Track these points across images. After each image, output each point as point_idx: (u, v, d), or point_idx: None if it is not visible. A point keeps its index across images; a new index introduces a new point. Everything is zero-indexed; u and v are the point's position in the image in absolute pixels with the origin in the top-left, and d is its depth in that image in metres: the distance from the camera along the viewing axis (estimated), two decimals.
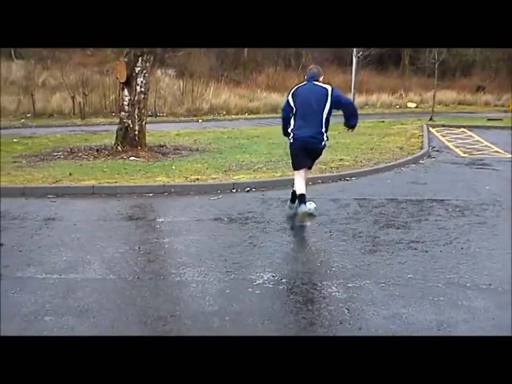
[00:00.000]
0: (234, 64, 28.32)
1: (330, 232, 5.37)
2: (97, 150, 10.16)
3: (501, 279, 4.09)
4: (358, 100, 19.98)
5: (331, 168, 8.37)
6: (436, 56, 17.55)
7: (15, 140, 12.18)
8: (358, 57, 14.62)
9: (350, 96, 15.18)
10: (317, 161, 6.19)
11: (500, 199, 6.72)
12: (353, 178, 8.02)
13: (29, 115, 17.82)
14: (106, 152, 9.94)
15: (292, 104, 5.63)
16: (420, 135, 13.02)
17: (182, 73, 22.47)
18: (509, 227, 5.51)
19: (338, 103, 5.59)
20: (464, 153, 10.89)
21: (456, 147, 11.74)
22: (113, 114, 17.50)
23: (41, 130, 14.41)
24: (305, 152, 5.72)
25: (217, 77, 23.51)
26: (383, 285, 3.97)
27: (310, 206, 5.73)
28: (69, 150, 10.32)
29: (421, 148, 10.86)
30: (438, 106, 21.26)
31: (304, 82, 5.74)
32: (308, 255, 4.67)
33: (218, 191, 7.07)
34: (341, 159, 9.09)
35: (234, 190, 7.16)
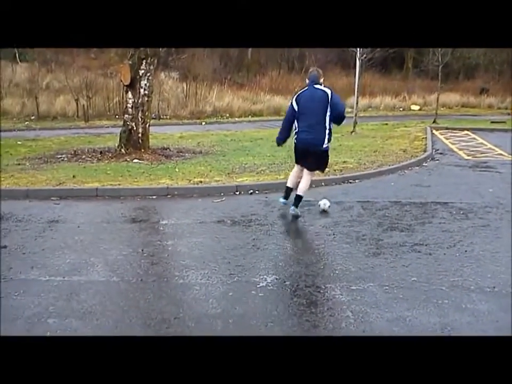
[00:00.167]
0: (237, 67, 28.34)
1: (333, 234, 5.37)
2: (101, 153, 10.19)
3: (504, 281, 4.08)
4: (362, 102, 19.96)
5: (334, 170, 8.36)
6: (440, 59, 17.52)
7: (19, 142, 12.22)
8: (361, 60, 14.59)
9: (353, 98, 15.17)
10: (328, 167, 6.41)
11: (503, 201, 6.70)
12: (356, 180, 8.01)
13: (33, 117, 17.88)
14: (110, 155, 9.96)
15: (296, 108, 5.91)
16: (423, 138, 13.00)
17: (185, 76, 22.48)
18: None
19: (337, 110, 5.83)
20: (468, 155, 10.87)
21: (460, 150, 11.72)
22: (117, 116, 17.54)
23: (45, 133, 14.45)
24: (307, 154, 5.99)
25: (220, 80, 23.53)
26: (387, 287, 3.96)
27: (324, 201, 6.18)
28: (72, 153, 10.34)
29: (425, 151, 10.83)
30: (442, 108, 21.21)
31: (306, 88, 5.96)
32: (311, 257, 4.67)
33: (222, 194, 7.07)
34: (344, 162, 9.08)
35: (238, 193, 7.17)
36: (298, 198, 5.94)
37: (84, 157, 9.94)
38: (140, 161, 9.38)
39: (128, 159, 9.53)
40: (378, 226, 5.58)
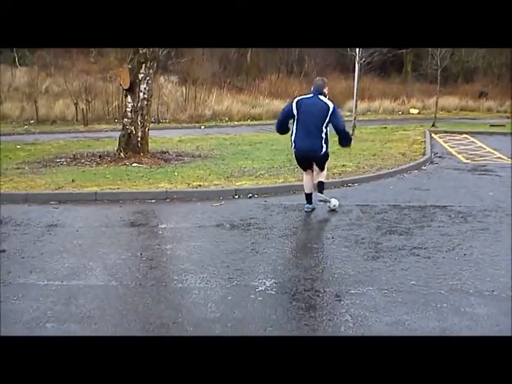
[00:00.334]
0: (237, 71, 28.37)
1: (332, 238, 5.36)
2: (100, 157, 10.19)
3: (504, 285, 4.08)
4: (361, 106, 20.00)
5: (333, 174, 8.36)
6: (438, 63, 17.55)
7: (18, 146, 12.22)
8: (360, 63, 14.61)
9: (352, 102, 15.19)
10: (326, 165, 6.54)
11: (502, 205, 6.71)
12: (355, 184, 8.01)
13: (32, 121, 17.89)
14: (109, 159, 9.96)
15: (295, 112, 6.07)
16: (422, 141, 13.02)
17: (184, 79, 22.51)
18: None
19: (335, 125, 6.04)
20: (467, 159, 10.88)
21: (459, 153, 11.73)
22: (116, 120, 17.55)
23: (44, 137, 14.45)
24: (307, 159, 6.32)
25: (219, 84, 23.56)
26: (386, 291, 3.96)
27: (334, 201, 6.40)
28: (71, 157, 10.34)
29: (424, 154, 10.85)
30: (441, 112, 21.22)
31: (310, 95, 6.12)
32: (310, 261, 4.66)
33: (221, 197, 7.07)
34: (343, 165, 9.09)
35: (237, 196, 7.17)
36: (321, 184, 6.39)
37: (83, 161, 9.93)
38: (139, 165, 9.38)
39: (127, 163, 9.53)
40: (377, 230, 5.58)
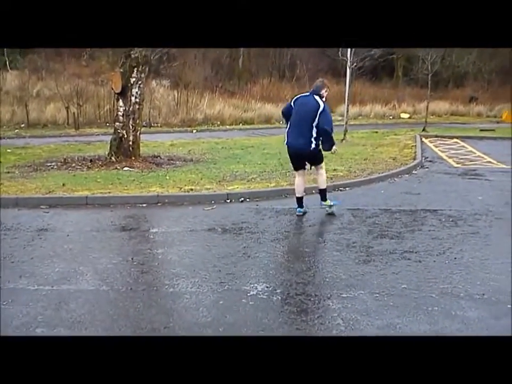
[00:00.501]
0: (229, 75, 28.40)
1: (324, 242, 5.38)
2: (91, 161, 10.14)
3: (494, 288, 4.11)
4: (352, 110, 20.08)
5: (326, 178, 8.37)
6: (429, 67, 17.68)
7: (8, 150, 12.12)
8: (352, 68, 14.69)
9: (343, 106, 15.25)
10: (323, 169, 6.57)
11: (492, 209, 6.76)
12: (347, 188, 8.04)
13: (22, 125, 17.78)
14: (100, 163, 9.92)
15: (292, 108, 6.31)
16: (413, 146, 13.09)
17: (176, 83, 22.49)
18: (502, 237, 5.54)
19: (320, 125, 6.07)
20: (457, 163, 10.95)
21: (449, 157, 11.81)
22: (108, 124, 17.49)
23: (35, 141, 14.37)
24: (298, 157, 6.38)
25: (211, 88, 23.56)
26: (377, 295, 3.97)
27: (331, 203, 6.45)
28: (62, 161, 10.28)
29: (414, 159, 10.91)
30: (431, 117, 21.39)
31: (307, 94, 6.33)
32: (301, 265, 4.67)
33: (213, 202, 7.06)
34: (334, 170, 9.11)
35: (229, 200, 7.16)
36: (323, 192, 6.45)
37: (73, 165, 9.88)
38: (131, 169, 9.35)
39: (118, 167, 9.49)
40: (369, 234, 5.60)
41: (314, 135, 6.10)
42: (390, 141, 14.42)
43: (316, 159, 6.42)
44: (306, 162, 6.46)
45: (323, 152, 6.42)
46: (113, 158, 10.00)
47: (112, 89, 10.43)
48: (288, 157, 6.52)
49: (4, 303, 3.79)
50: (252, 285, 4.15)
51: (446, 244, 5.25)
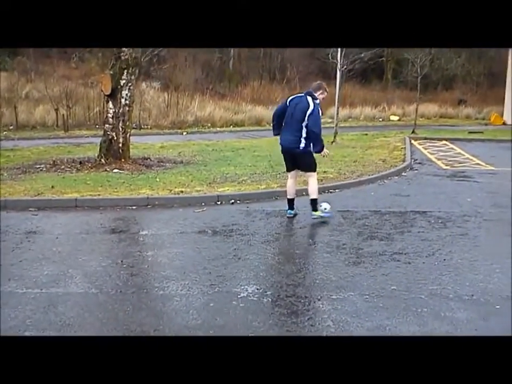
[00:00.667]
0: (219, 77, 28.38)
1: (314, 244, 5.39)
2: (81, 163, 10.07)
3: (482, 290, 4.14)
4: (342, 112, 20.14)
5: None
6: (419, 70, 17.81)
7: None
8: (342, 70, 14.74)
9: (334, 109, 15.29)
10: (314, 177, 6.38)
11: (480, 210, 6.81)
12: (336, 190, 8.06)
13: (11, 127, 17.62)
14: (90, 165, 9.85)
15: (287, 107, 6.34)
16: (402, 148, 13.16)
17: (167, 85, 22.43)
18: (491, 238, 5.59)
19: (308, 125, 6.07)
20: (446, 165, 11.03)
21: (438, 159, 11.89)
22: (97, 126, 17.39)
23: (24, 143, 14.25)
24: (288, 156, 6.40)
25: (202, 90, 23.52)
26: (367, 296, 3.98)
27: (325, 205, 6.35)
28: (51, 163, 10.20)
29: (404, 161, 10.96)
30: (420, 119, 21.48)
31: (301, 94, 6.37)
32: (292, 267, 4.67)
33: (203, 204, 7.05)
34: (324, 172, 9.13)
35: (219, 202, 7.16)
36: (314, 202, 6.29)
37: (63, 167, 9.81)
38: (120, 171, 9.30)
39: (108, 169, 9.44)
40: (358, 236, 5.62)
41: (304, 135, 6.10)
42: (380, 143, 14.49)
43: (307, 164, 6.30)
44: (299, 170, 6.42)
45: (318, 160, 6.38)
46: (102, 160, 9.95)
47: (102, 91, 10.37)
48: (283, 156, 6.54)
49: None
50: (242, 287, 4.15)
51: (435, 246, 5.28)
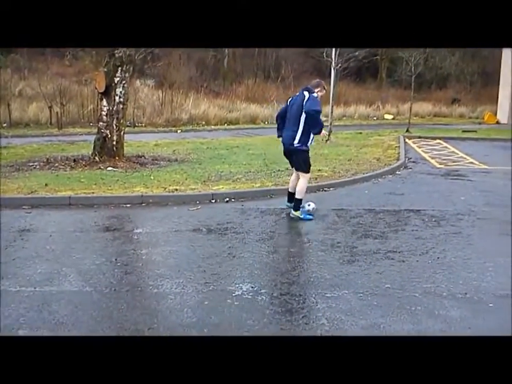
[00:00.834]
0: (214, 75, 28.34)
1: (309, 242, 5.39)
2: (74, 160, 10.04)
3: (476, 288, 4.16)
4: (336, 111, 20.17)
5: (309, 178, 8.40)
6: (413, 69, 17.85)
7: None
8: (336, 69, 14.76)
9: (328, 107, 15.31)
10: (305, 178, 6.38)
11: (474, 209, 6.84)
12: (331, 188, 8.08)
13: (4, 125, 17.52)
14: (84, 163, 9.82)
15: (287, 107, 6.45)
16: (396, 147, 13.19)
17: (161, 83, 22.38)
18: (484, 236, 5.62)
19: (306, 108, 6.04)
20: (440, 164, 11.07)
21: (432, 158, 11.93)
22: (91, 124, 17.33)
23: (17, 140, 14.17)
24: (287, 152, 6.48)
25: (196, 88, 23.48)
26: (361, 294, 3.99)
27: (309, 207, 6.42)
28: (45, 160, 10.16)
29: (398, 159, 10.99)
30: (414, 118, 21.56)
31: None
32: (286, 265, 4.68)
33: (197, 202, 7.04)
34: (319, 170, 9.15)
35: (214, 201, 7.15)
36: (297, 201, 6.30)
37: (56, 164, 9.77)
38: (114, 169, 9.28)
39: (102, 167, 9.41)
40: (353, 234, 5.63)
41: (300, 130, 6.11)
42: (374, 141, 14.52)
43: (298, 162, 6.32)
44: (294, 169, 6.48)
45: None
46: (96, 158, 9.92)
47: (96, 88, 10.33)
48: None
49: None
50: (237, 285, 4.15)
51: (429, 244, 5.30)
